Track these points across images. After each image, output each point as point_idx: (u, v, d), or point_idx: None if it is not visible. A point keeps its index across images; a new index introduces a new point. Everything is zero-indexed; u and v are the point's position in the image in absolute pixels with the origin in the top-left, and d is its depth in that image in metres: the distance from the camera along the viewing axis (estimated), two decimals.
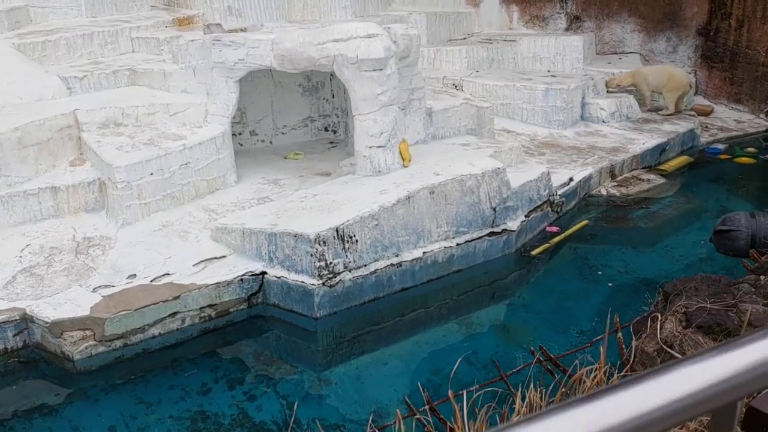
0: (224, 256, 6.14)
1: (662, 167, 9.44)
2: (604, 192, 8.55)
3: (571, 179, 8.09)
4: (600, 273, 6.98)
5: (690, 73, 12.40)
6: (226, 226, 6.22)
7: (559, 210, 7.77)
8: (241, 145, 8.82)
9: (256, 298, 5.98)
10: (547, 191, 7.52)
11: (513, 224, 6.92)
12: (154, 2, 11.25)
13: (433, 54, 11.41)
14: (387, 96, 6.62)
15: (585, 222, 7.81)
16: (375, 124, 6.70)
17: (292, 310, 5.88)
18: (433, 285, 6.44)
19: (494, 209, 6.79)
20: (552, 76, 10.84)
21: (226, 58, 7.34)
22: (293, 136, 9.09)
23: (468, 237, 6.61)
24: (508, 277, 6.96)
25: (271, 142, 8.98)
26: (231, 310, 5.86)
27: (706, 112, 11.65)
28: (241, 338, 5.88)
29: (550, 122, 10.03)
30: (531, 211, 7.24)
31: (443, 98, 9.04)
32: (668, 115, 10.81)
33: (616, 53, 12.73)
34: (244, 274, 5.90)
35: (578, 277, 6.96)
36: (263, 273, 5.94)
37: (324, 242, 5.70)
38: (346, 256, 5.84)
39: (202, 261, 6.05)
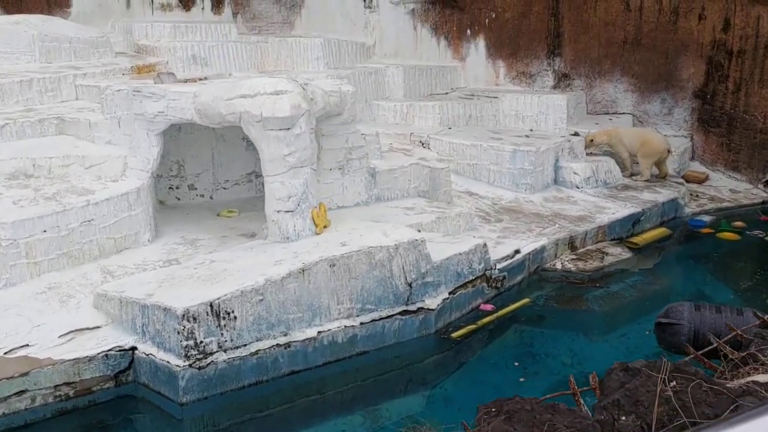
0: (98, 327, 5.60)
1: (634, 240, 8.65)
2: (559, 266, 7.80)
3: (517, 251, 7.38)
4: (541, 363, 6.23)
5: (686, 136, 11.65)
6: (106, 293, 5.70)
7: (498, 286, 7.06)
8: (179, 199, 8.40)
9: (126, 376, 5.40)
10: (482, 265, 6.83)
11: (432, 302, 6.25)
12: (125, 49, 11.10)
13: (405, 109, 10.92)
14: (295, 157, 6.09)
15: (526, 301, 7.07)
16: (283, 187, 6.17)
17: (160, 392, 5.28)
18: (331, 368, 5.77)
19: (410, 285, 6.13)
20: (526, 136, 10.21)
21: (146, 110, 6.95)
22: (235, 191, 8.62)
23: (375, 315, 5.95)
24: (425, 362, 6.25)
25: (211, 197, 8.52)
26: (94, 389, 5.29)
27: (699, 180, 10.83)
28: (104, 421, 5.28)
29: (517, 185, 9.36)
30: (459, 287, 6.55)
31: (395, 157, 8.50)
32: (645, 181, 10.03)
33: (608, 113, 12.05)
34: (110, 349, 5.34)
35: (515, 367, 6.19)
36: (133, 348, 5.38)
37: (194, 318, 5.12)
38: (222, 334, 5.24)
39: (72, 331, 5.52)
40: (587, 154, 10.13)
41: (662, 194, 9.56)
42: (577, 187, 9.55)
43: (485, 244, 6.89)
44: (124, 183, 7.04)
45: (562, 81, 12.04)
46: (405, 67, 11.47)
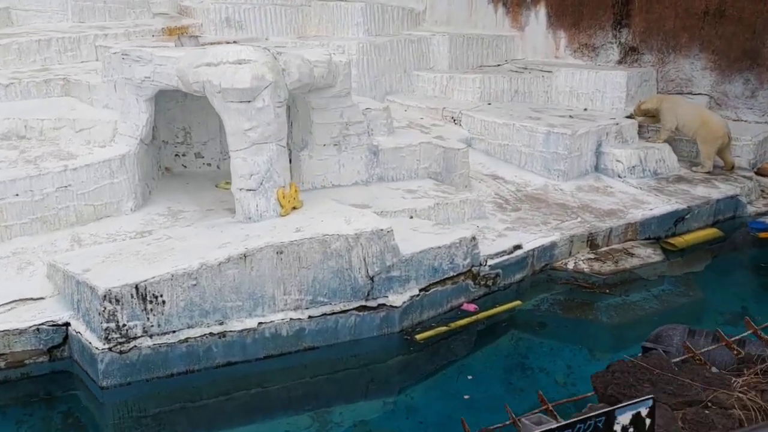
0: (42, 299, 5.47)
1: (672, 241, 7.61)
2: (571, 266, 6.96)
3: (517, 247, 6.63)
4: (531, 378, 5.54)
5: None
6: (55, 264, 5.54)
7: (490, 284, 6.37)
8: (185, 167, 8.17)
9: (61, 351, 5.24)
10: (468, 260, 6.16)
11: (397, 298, 5.67)
12: (169, 10, 10.97)
13: (445, 81, 10.17)
14: (257, 132, 5.64)
15: (516, 303, 6.34)
16: (244, 164, 5.75)
17: (87, 372, 5.08)
18: (274, 362, 5.37)
19: (371, 278, 5.58)
20: (570, 116, 9.23)
21: (134, 75, 6.70)
22: None
23: (328, 309, 5.47)
24: (388, 363, 5.71)
25: (218, 167, 8.23)
26: (26, 362, 5.17)
27: None
28: (35, 395, 5.15)
29: (549, 171, 8.48)
30: (435, 283, 5.93)
31: (406, 134, 7.87)
32: (706, 172, 8.83)
33: (682, 93, 10.74)
34: (42, 324, 5.18)
35: (499, 379, 5.55)
36: (67, 324, 5.19)
37: (116, 300, 4.85)
38: (148, 318, 4.95)
39: (15, 300, 5.41)
40: (634, 117, 9.12)
41: (719, 189, 8.38)
42: (620, 177, 8.53)
43: (474, 237, 6.20)
44: (110, 149, 6.86)
45: (629, 55, 10.83)
46: (451, 36, 10.66)
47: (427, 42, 10.68)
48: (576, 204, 7.84)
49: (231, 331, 5.18)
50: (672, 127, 9.02)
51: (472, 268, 6.20)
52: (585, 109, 10.05)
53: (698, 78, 10.65)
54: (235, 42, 9.77)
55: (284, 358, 5.39)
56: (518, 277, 6.65)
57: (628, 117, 9.35)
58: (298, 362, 5.44)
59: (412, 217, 6.69)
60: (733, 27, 10.24)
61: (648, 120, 9.29)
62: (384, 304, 5.63)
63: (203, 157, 8.22)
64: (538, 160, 8.56)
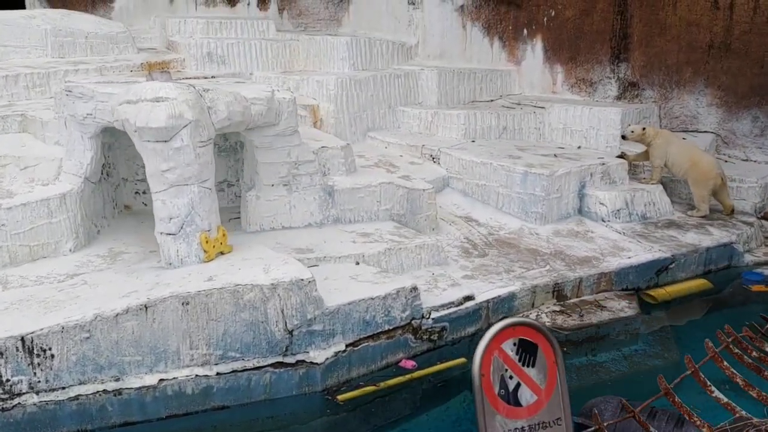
0: None
1: (652, 293, 6.98)
2: (532, 319, 6.39)
3: (468, 298, 6.11)
4: None
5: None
6: None
7: (434, 339, 5.86)
8: (145, 204, 7.89)
9: None
10: (407, 312, 5.67)
11: (319, 354, 5.22)
12: (160, 45, 10.90)
13: (430, 117, 9.77)
14: (176, 174, 5.31)
15: (459, 361, 5.79)
16: (164, 207, 5.42)
17: None
18: (178, 423, 4.95)
19: (290, 332, 5.15)
20: (554, 155, 8.69)
21: (77, 111, 6.49)
22: None
23: (239, 365, 5.04)
24: (309, 425, 5.23)
25: None
26: None
27: None
28: None
29: (526, 213, 7.95)
30: (366, 338, 5.46)
31: (367, 174, 7.47)
32: (701, 216, 8.17)
33: (686, 131, 10.11)
34: None
35: None
36: None
37: (0, 354, 4.53)
38: (34, 374, 4.61)
39: None
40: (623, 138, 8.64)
41: (712, 236, 7.70)
42: (603, 221, 7.94)
43: (414, 288, 5.72)
44: (52, 188, 6.63)
45: (629, 91, 10.26)
46: (440, 70, 10.28)
47: (416, 77, 10.33)
48: (549, 250, 7.28)
49: (128, 388, 4.79)
50: (661, 164, 8.41)
51: (413, 321, 5.71)
52: (579, 147, 9.51)
53: (704, 115, 10.02)
54: (213, 77, 9.65)
55: (190, 418, 4.97)
56: (470, 330, 6.12)
57: (619, 156, 8.76)
58: (207, 423, 5.01)
59: (358, 263, 6.26)
60: (739, 61, 9.61)
61: (638, 157, 8.67)
62: (304, 361, 5.17)
63: None
64: (516, 201, 8.04)
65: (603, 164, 8.34)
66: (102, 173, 7.09)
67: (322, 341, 5.24)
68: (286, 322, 5.12)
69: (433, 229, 7.56)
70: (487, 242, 7.47)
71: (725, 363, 3.74)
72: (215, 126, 5.59)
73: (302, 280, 5.14)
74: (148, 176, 5.43)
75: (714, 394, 3.74)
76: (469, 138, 9.44)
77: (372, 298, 5.48)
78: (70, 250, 6.55)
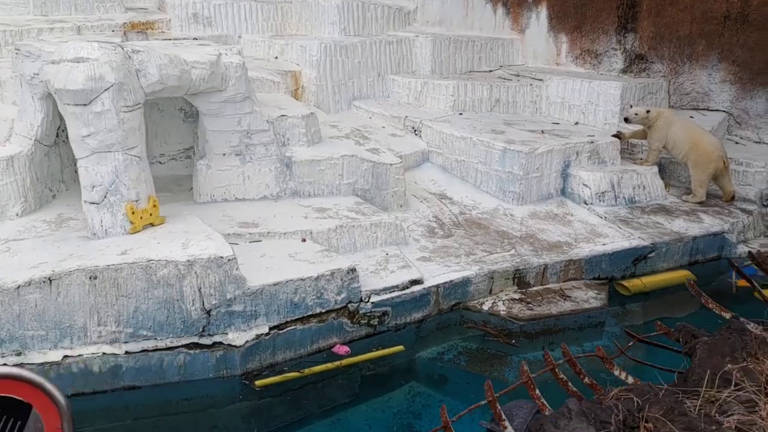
0: None
1: (626, 283, 6.49)
2: (486, 307, 5.99)
3: (415, 282, 5.73)
4: None
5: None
6: None
7: (374, 324, 5.51)
8: None
9: None
10: (343, 295, 5.34)
11: (239, 337, 4.93)
12: (144, 4, 10.59)
13: (420, 87, 9.29)
14: (96, 140, 5.03)
15: (396, 348, 5.46)
16: (87, 174, 5.15)
17: None
18: (86, 402, 4.74)
19: (208, 312, 4.87)
20: (542, 131, 8.15)
21: (25, 71, 6.25)
22: (172, 167, 7.73)
23: (151, 344, 4.79)
24: (228, 409, 4.98)
25: None
26: None
27: None
28: None
29: (504, 193, 7.48)
30: (293, 321, 5.15)
31: (333, 146, 7.09)
32: (698, 202, 7.59)
33: (697, 108, 9.44)
34: None
35: None
36: None
37: None
38: None
39: None
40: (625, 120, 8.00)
41: (702, 224, 7.13)
42: (586, 203, 7.42)
43: (352, 269, 5.37)
44: (2, 150, 6.45)
45: (636, 64, 9.59)
46: (435, 38, 9.76)
47: (410, 44, 9.82)
48: (520, 233, 6.83)
49: (30, 363, 4.59)
50: (660, 146, 7.81)
51: (349, 305, 5.37)
52: (576, 123, 8.95)
53: (716, 92, 9.31)
54: (195, 39, 9.32)
55: (98, 398, 4.76)
56: (417, 317, 5.75)
57: (615, 135, 8.15)
58: (117, 403, 4.80)
59: (304, 240, 5.93)
60: (757, 34, 8.85)
61: (635, 135, 8.07)
62: (221, 343, 4.90)
63: None
64: (494, 179, 7.57)
65: (591, 143, 7.78)
66: (59, 136, 6.87)
67: (243, 323, 4.95)
68: (203, 301, 4.84)
69: (401, 206, 7.18)
70: (456, 222, 7.05)
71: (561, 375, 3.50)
72: (145, 90, 5.28)
73: (222, 257, 4.84)
74: (71, 141, 5.17)
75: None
76: (458, 110, 8.95)
77: (302, 279, 5.16)
78: (17, 215, 6.35)
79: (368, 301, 5.46)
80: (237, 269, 4.89)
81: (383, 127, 8.72)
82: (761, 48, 8.84)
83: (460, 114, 8.82)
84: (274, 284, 5.06)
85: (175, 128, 7.62)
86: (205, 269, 4.81)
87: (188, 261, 4.77)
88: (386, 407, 5.26)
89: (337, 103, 9.09)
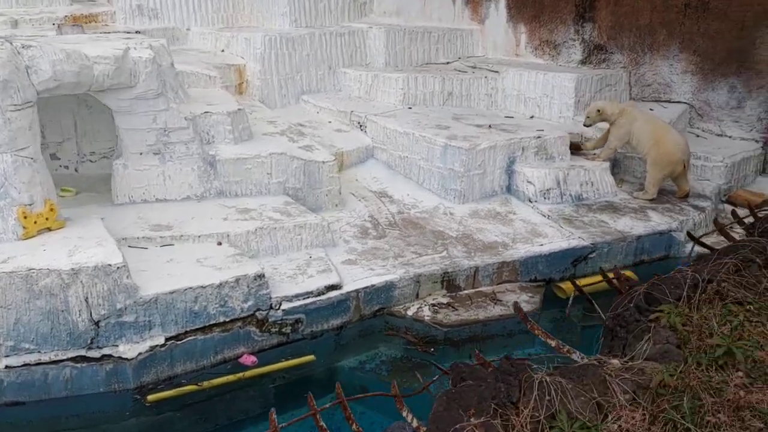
0: None
1: (564, 286, 6.19)
2: (411, 312, 5.70)
3: (333, 287, 5.44)
4: None
5: (757, 141, 8.45)
6: None
7: (288, 332, 5.23)
8: None
9: None
10: (251, 302, 5.06)
11: (130, 349, 4.65)
12: None
13: (370, 80, 8.97)
14: None
15: (307, 358, 5.18)
16: None
17: None
18: None
19: (96, 324, 4.59)
20: (489, 126, 7.85)
21: None
22: (103, 165, 7.40)
23: (33, 358, 4.52)
24: (121, 424, 4.71)
25: (76, 170, 7.44)
26: None
27: (752, 203, 7.71)
28: None
29: (446, 191, 7.19)
30: (194, 330, 4.87)
31: (263, 143, 6.80)
32: (649, 200, 7.29)
33: (659, 100, 9.12)
34: None
35: None
36: None
37: None
38: None
39: None
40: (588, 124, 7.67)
41: (650, 223, 6.83)
42: (530, 201, 7.12)
43: (259, 276, 5.08)
44: None
45: (595, 55, 9.26)
46: (388, 29, 9.44)
47: (363, 35, 9.51)
48: (456, 233, 6.54)
49: None
50: (618, 145, 7.47)
51: (257, 313, 5.09)
52: (531, 117, 8.64)
53: (678, 83, 8.98)
54: (137, 32, 9.01)
55: None
56: (335, 323, 5.47)
57: (574, 148, 7.74)
58: (0, 419, 4.54)
59: (220, 243, 5.65)
60: (717, 23, 8.52)
61: (598, 144, 7.67)
62: (111, 355, 4.62)
63: (59, 159, 7.41)
64: (436, 177, 7.28)
65: (538, 137, 7.47)
66: None
67: (135, 334, 4.68)
68: (91, 312, 4.56)
69: (337, 205, 6.90)
70: (392, 222, 6.76)
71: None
72: (36, 87, 4.98)
73: (110, 265, 4.56)
74: None
75: None
76: (408, 104, 8.65)
77: (203, 287, 4.87)
78: None
79: (279, 309, 5.18)
80: (128, 277, 4.61)
81: (329, 122, 8.43)
82: (722, 37, 8.51)
83: (410, 108, 8.51)
84: (171, 292, 4.77)
85: (105, 125, 7.30)
86: (92, 278, 4.52)
87: (72, 270, 4.49)
88: (303, 422, 4.98)
89: (284, 97, 8.79)
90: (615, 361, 3.38)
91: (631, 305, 4.03)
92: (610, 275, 5.60)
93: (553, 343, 4.22)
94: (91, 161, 7.45)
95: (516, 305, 4.92)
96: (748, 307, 3.89)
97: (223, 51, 9.10)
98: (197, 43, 9.39)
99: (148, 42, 5.87)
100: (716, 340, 3.55)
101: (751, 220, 6.55)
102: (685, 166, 7.20)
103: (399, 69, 9.30)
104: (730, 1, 8.39)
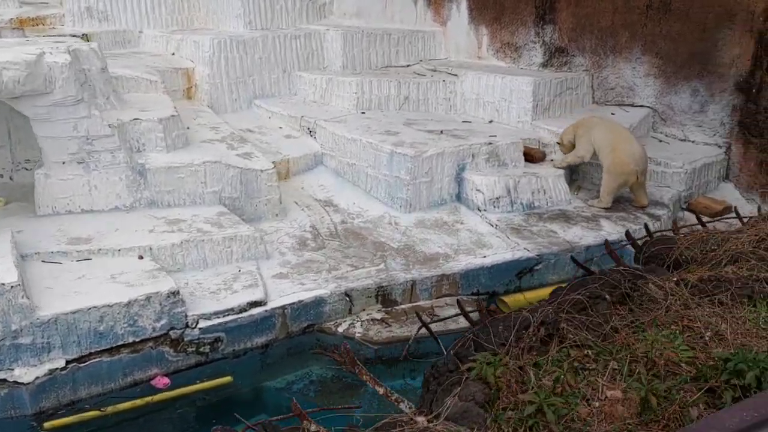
0: None
1: (507, 299, 5.93)
2: (341, 329, 5.44)
3: (255, 303, 5.18)
4: None
5: (720, 146, 8.20)
6: None
7: (207, 352, 4.97)
8: None
9: None
10: (164, 321, 4.79)
11: (26, 373, 4.39)
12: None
13: (325, 84, 8.71)
14: None
15: (224, 380, 4.91)
16: None
17: None
18: None
19: None
20: (440, 132, 7.59)
21: None
22: None
23: None
24: None
25: (11, 178, 7.16)
26: None
27: (712, 212, 7.46)
28: None
29: (393, 199, 6.93)
30: (100, 352, 4.60)
31: (198, 151, 6.53)
32: (603, 208, 7.04)
33: (622, 105, 8.87)
34: None
35: None
36: None
37: None
38: None
39: None
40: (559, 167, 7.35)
41: (600, 232, 6.57)
42: (479, 210, 6.87)
43: (173, 293, 4.81)
44: None
45: (556, 57, 9.01)
46: (346, 31, 9.17)
47: (321, 38, 9.24)
48: (398, 244, 6.28)
49: None
50: (584, 155, 7.18)
51: (171, 332, 4.83)
52: (490, 122, 8.39)
53: (641, 86, 8.73)
54: (84, 36, 8.75)
55: None
56: (259, 342, 5.21)
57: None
58: None
59: (141, 257, 5.38)
60: (679, 24, 8.27)
61: (570, 157, 7.42)
62: (5, 380, 4.35)
63: None
64: (383, 185, 7.02)
65: (490, 144, 7.21)
66: None
67: (33, 357, 4.41)
68: None
69: (277, 215, 6.64)
70: (334, 232, 6.49)
71: None
72: None
73: (3, 284, 4.29)
74: None
75: None
76: (362, 108, 8.39)
77: (109, 306, 4.61)
78: None
79: (195, 327, 4.92)
80: (24, 297, 4.34)
81: (280, 127, 8.17)
82: (684, 39, 8.26)
83: (363, 113, 8.25)
84: (73, 312, 4.51)
85: None
86: None
87: None
88: None
89: (235, 102, 8.53)
90: (421, 419, 3.05)
91: (452, 351, 3.67)
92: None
93: (381, 390, 3.81)
94: (26, 169, 7.16)
95: (344, 347, 4.19)
96: (586, 351, 3.46)
97: (173, 54, 8.83)
98: (150, 46, 9.12)
99: (67, 46, 5.59)
100: (528, 396, 3.10)
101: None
102: (638, 178, 6.95)
103: (356, 72, 9.04)
104: (692, 2, 8.14)
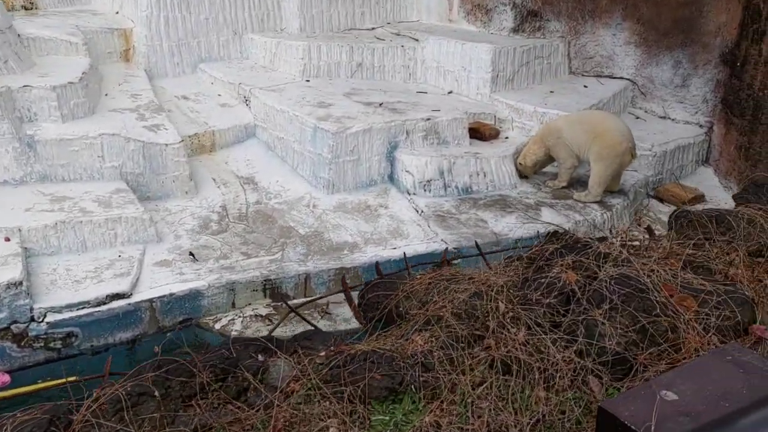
0: None
1: None
2: (220, 325, 4.96)
3: (116, 296, 4.72)
4: None
5: (701, 126, 7.38)
6: None
7: (58, 347, 4.56)
8: None
9: None
10: (5, 314, 4.38)
11: None
12: None
13: (274, 48, 8.10)
14: None
15: (70, 379, 4.47)
16: None
17: None
18: None
19: None
20: (379, 104, 6.93)
21: None
22: None
23: None
24: None
25: None
26: None
27: (681, 200, 6.67)
28: None
29: (316, 178, 6.35)
30: None
31: (104, 122, 6.05)
32: (594, 201, 6.24)
33: (600, 76, 8.05)
34: None
35: None
36: None
37: None
38: None
39: None
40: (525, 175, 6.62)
41: (537, 224, 5.89)
42: (409, 193, 6.24)
43: (15, 283, 4.38)
44: None
45: (528, 22, 8.19)
46: None
47: None
48: (308, 230, 5.72)
49: None
50: (572, 162, 6.34)
51: (13, 326, 4.42)
52: (450, 92, 7.70)
53: (621, 56, 7.89)
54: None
55: None
56: (125, 337, 4.77)
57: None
58: None
59: (8, 240, 4.96)
60: None
61: (540, 163, 6.57)
62: None
63: None
64: (308, 162, 6.44)
65: (428, 119, 6.54)
66: None
67: None
68: None
69: (187, 193, 6.15)
70: (243, 214, 5.97)
71: None
72: None
73: None
74: None
75: None
76: (308, 75, 7.76)
77: None
78: None
79: (42, 321, 4.49)
80: None
81: (219, 95, 7.62)
82: (667, 3, 7.36)
83: (307, 81, 7.63)
84: None
85: None
86: None
87: None
88: None
89: (177, 66, 7.99)
90: None
91: None
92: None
93: None
94: None
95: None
96: None
97: (117, 13, 8.31)
98: (98, 5, 8.62)
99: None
100: None
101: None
102: (633, 155, 6.15)
103: (312, 36, 8.39)
104: None
